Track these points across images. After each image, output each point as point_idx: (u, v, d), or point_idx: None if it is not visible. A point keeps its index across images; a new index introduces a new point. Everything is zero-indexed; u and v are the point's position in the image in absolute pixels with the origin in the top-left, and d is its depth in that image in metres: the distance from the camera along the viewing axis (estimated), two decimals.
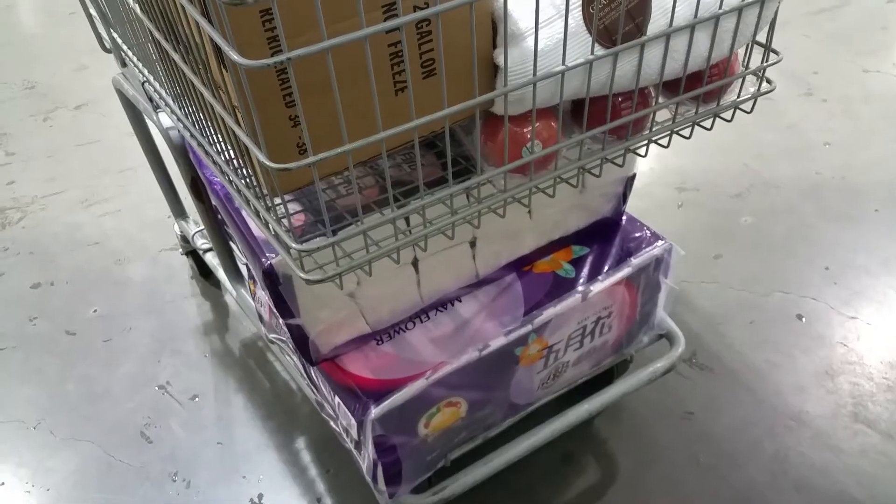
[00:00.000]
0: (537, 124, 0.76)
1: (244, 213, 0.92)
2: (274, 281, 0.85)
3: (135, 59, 1.07)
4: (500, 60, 0.70)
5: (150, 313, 1.61)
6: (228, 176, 0.78)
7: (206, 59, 0.66)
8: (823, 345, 1.42)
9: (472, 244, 1.01)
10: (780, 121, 2.03)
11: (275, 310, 0.91)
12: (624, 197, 1.12)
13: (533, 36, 0.68)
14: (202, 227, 1.44)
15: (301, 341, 0.93)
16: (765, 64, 0.85)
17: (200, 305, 1.63)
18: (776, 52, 0.85)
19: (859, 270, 1.57)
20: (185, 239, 1.59)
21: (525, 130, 0.77)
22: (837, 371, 1.37)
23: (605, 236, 1.13)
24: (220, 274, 1.40)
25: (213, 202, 1.08)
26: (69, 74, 2.53)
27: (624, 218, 1.16)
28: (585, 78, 0.73)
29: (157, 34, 0.77)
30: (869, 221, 1.69)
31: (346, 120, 0.64)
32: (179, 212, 1.57)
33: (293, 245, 0.65)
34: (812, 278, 1.56)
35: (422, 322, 1.02)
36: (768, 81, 0.88)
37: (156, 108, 1.13)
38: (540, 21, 0.68)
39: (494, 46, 0.72)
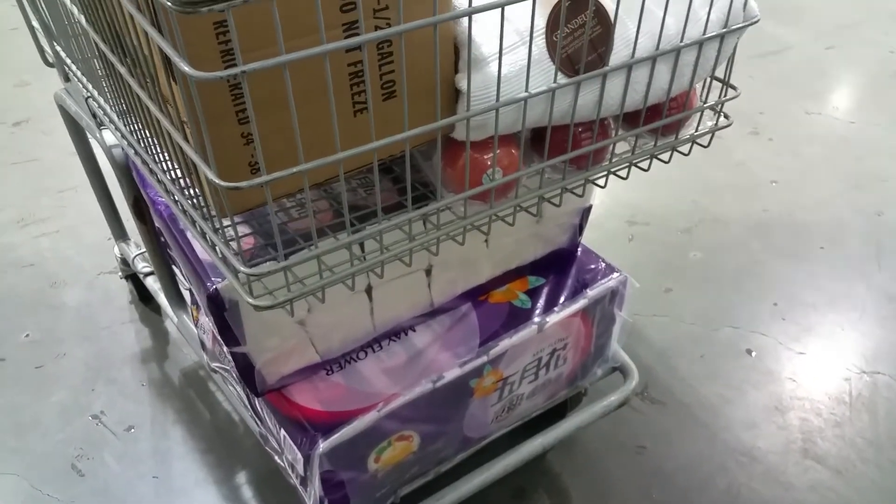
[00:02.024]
0: (498, 151, 0.74)
1: (189, 236, 0.87)
2: (219, 307, 0.81)
3: (79, 73, 1.02)
4: (463, 85, 0.68)
5: (86, 339, 1.54)
6: (174, 195, 0.74)
7: (154, 73, 0.63)
8: (773, 380, 1.43)
9: (428, 272, 0.99)
10: (728, 158, 2.08)
11: (219, 337, 0.87)
12: (580, 228, 1.12)
13: (496, 61, 0.67)
14: (143, 249, 1.38)
15: (246, 371, 0.88)
16: (723, 99, 0.85)
17: (139, 332, 1.55)
18: (734, 88, 0.86)
19: (807, 307, 1.60)
20: (125, 262, 1.53)
21: (486, 157, 0.75)
22: (787, 406, 1.38)
23: (560, 267, 1.12)
24: (161, 299, 1.34)
25: (157, 224, 1.03)
26: (9, 90, 2.44)
27: (579, 249, 1.15)
28: (547, 106, 0.72)
29: (103, 46, 0.74)
30: (815, 259, 1.73)
31: (303, 139, 0.61)
32: (120, 234, 1.50)
33: (242, 269, 0.62)
34: (761, 314, 1.58)
35: (374, 351, 0.98)
36: (726, 116, 0.88)
37: (99, 124, 1.08)
38: (503, 47, 0.67)
39: (456, 71, 0.70)
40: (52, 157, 2.14)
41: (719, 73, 0.85)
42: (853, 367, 1.45)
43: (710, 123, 0.88)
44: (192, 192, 0.70)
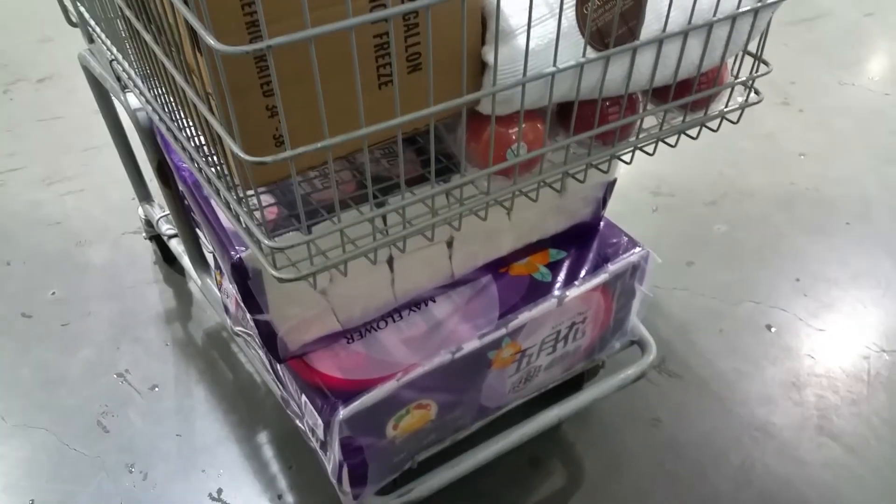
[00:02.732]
0: (524, 126, 0.74)
1: (213, 203, 0.88)
2: (243, 276, 0.82)
3: (102, 35, 1.02)
4: (490, 58, 0.67)
5: (111, 298, 1.56)
6: (198, 164, 0.75)
7: (179, 42, 0.63)
8: (791, 356, 1.43)
9: (449, 244, 0.99)
10: (756, 129, 2.04)
11: (242, 304, 0.88)
12: (604, 201, 1.11)
13: (524, 34, 0.66)
14: (167, 212, 1.39)
15: (269, 338, 0.90)
16: (754, 74, 0.83)
17: (163, 292, 1.58)
18: (766, 63, 0.84)
19: (829, 283, 1.58)
20: (149, 223, 1.54)
21: (511, 131, 0.74)
22: (804, 383, 1.38)
23: (582, 240, 1.12)
24: (185, 261, 1.36)
25: (181, 188, 1.03)
26: (33, 46, 2.44)
27: (602, 223, 1.14)
28: (575, 81, 0.71)
29: (127, 11, 0.73)
30: (840, 234, 1.71)
31: (327, 112, 0.61)
32: (144, 195, 1.52)
33: (265, 241, 0.62)
34: (782, 289, 1.57)
35: (394, 321, 0.99)
36: (756, 92, 0.86)
37: (123, 87, 1.09)
38: (532, 19, 0.66)
39: (483, 43, 0.69)
40: (77, 114, 2.14)
41: (752, 47, 0.83)
42: (873, 346, 1.44)
43: (740, 99, 0.86)
44: (215, 160, 0.70)
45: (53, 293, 1.58)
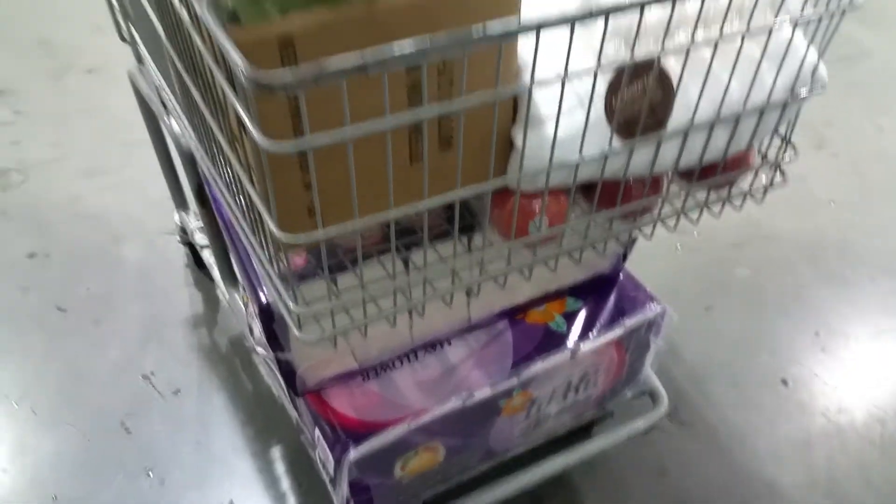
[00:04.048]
0: (547, 199, 0.76)
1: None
2: (269, 318, 0.85)
3: (152, 62, 1.06)
4: (518, 141, 0.70)
5: (142, 298, 1.62)
6: (235, 213, 0.78)
7: (224, 109, 0.66)
8: (805, 413, 1.43)
9: (468, 292, 1.01)
10: (788, 171, 2.02)
11: (265, 340, 0.91)
12: (624, 255, 1.12)
13: (552, 122, 0.68)
14: (202, 223, 1.44)
15: (288, 374, 0.93)
16: (782, 159, 0.85)
17: (192, 296, 1.63)
18: (794, 148, 0.85)
19: (849, 339, 1.58)
20: (183, 230, 1.59)
21: (534, 204, 0.77)
22: (815, 442, 1.38)
23: (600, 291, 1.14)
24: (215, 273, 1.40)
25: (216, 213, 1.07)
26: (85, 34, 2.50)
27: (621, 274, 1.16)
28: (600, 166, 0.73)
29: (177, 61, 0.77)
30: (864, 289, 1.70)
31: (359, 184, 0.63)
32: (181, 203, 1.56)
33: (293, 307, 0.65)
34: (801, 342, 1.57)
35: (409, 362, 1.02)
36: (782, 173, 0.88)
37: (169, 113, 1.12)
38: (561, 109, 0.68)
39: (514, 122, 0.72)
40: (123, 106, 2.18)
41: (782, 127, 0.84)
42: (889, 410, 1.44)
43: (765, 179, 0.87)
44: (251, 215, 0.74)
45: (88, 289, 1.64)
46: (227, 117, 0.66)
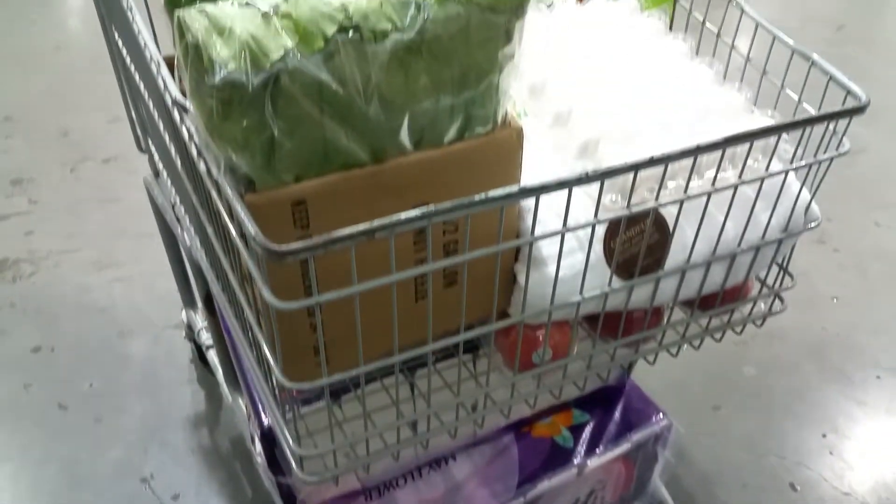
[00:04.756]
0: (551, 328, 0.77)
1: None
2: (271, 443, 0.86)
3: (168, 179, 1.09)
4: (521, 278, 0.72)
5: (146, 395, 1.61)
6: (241, 340, 0.79)
7: (238, 255, 0.68)
8: None
9: (474, 408, 1.02)
10: (790, 267, 2.04)
11: (265, 462, 0.91)
12: (629, 367, 1.13)
13: (553, 262, 0.70)
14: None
15: (288, 498, 0.93)
16: (778, 289, 0.86)
17: (195, 393, 1.63)
18: (791, 276, 0.87)
19: (856, 442, 1.56)
20: (190, 327, 1.60)
21: (538, 334, 0.78)
22: None
23: (606, 403, 1.14)
24: (219, 376, 1.40)
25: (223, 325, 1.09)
26: (103, 125, 2.57)
27: (627, 384, 1.16)
28: (601, 303, 0.74)
29: (195, 199, 0.79)
30: (871, 388, 1.69)
31: (364, 325, 0.65)
32: (189, 301, 1.58)
33: (296, 450, 0.66)
34: (809, 445, 1.55)
35: (413, 480, 1.01)
36: (781, 300, 0.89)
37: (182, 227, 1.15)
38: (562, 250, 0.70)
39: (516, 259, 0.74)
40: (135, 198, 2.23)
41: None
42: None
43: (763, 306, 0.89)
44: (258, 353, 0.75)
45: (91, 385, 1.64)
46: (241, 261, 0.69)
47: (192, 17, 0.51)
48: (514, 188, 0.55)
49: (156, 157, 1.16)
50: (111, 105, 2.61)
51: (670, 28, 0.91)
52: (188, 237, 1.14)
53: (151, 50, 0.65)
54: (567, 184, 0.57)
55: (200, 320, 1.55)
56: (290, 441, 0.67)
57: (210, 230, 0.75)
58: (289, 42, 0.51)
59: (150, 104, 0.87)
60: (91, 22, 1.19)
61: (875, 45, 3.04)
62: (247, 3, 0.52)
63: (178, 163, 0.80)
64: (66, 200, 2.21)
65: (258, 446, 1.06)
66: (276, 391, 0.70)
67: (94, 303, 1.86)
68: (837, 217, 2.24)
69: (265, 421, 0.86)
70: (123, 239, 2.07)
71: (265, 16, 0.51)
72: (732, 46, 0.88)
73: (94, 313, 1.82)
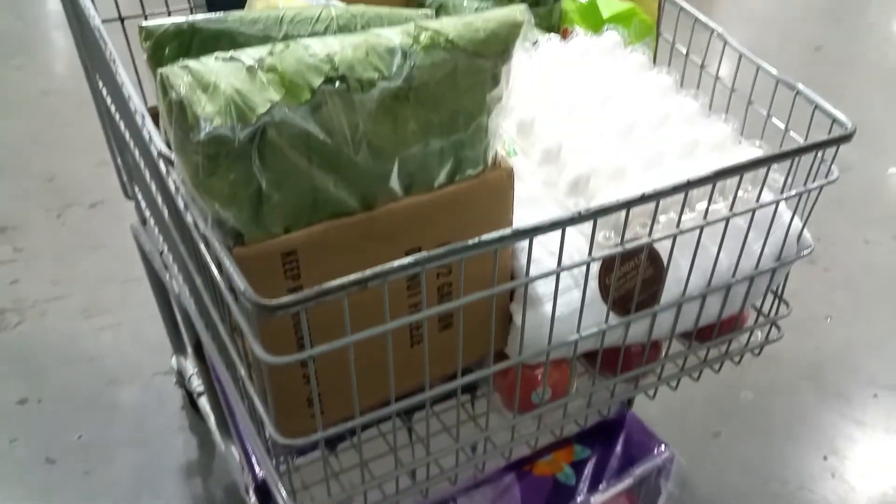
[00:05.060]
0: (549, 367, 0.76)
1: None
2: (265, 495, 0.83)
3: (155, 227, 1.08)
4: (518, 318, 0.71)
5: (136, 445, 1.58)
6: (233, 394, 0.78)
7: (228, 307, 0.67)
8: None
9: (474, 448, 1.00)
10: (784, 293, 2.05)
11: None
12: (629, 401, 1.12)
13: (549, 301, 0.69)
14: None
15: None
16: (774, 317, 0.86)
17: (187, 441, 1.59)
18: (787, 304, 0.87)
19: (857, 463, 1.55)
20: (180, 374, 1.58)
21: (537, 373, 0.77)
22: None
23: (607, 437, 1.12)
24: (211, 423, 1.37)
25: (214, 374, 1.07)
26: (89, 169, 2.54)
27: (627, 416, 1.15)
28: (598, 340, 0.74)
29: (183, 250, 0.78)
30: (869, 407, 1.68)
31: (359, 373, 0.63)
32: (179, 347, 1.56)
33: None
34: (810, 468, 1.54)
35: None
36: (777, 328, 0.89)
37: (171, 275, 1.14)
38: (557, 287, 0.69)
39: (511, 299, 0.73)
40: (122, 244, 2.20)
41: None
42: None
43: (760, 335, 0.88)
44: (248, 404, 0.73)
45: (80, 436, 1.60)
46: (230, 313, 0.67)
47: (176, 74, 0.50)
48: (507, 231, 0.55)
49: (143, 204, 1.14)
50: (97, 149, 2.59)
51: (654, 61, 0.92)
52: (177, 285, 1.13)
53: (136, 102, 0.65)
54: (560, 224, 0.56)
55: (191, 366, 1.52)
56: (285, 495, 0.65)
57: (199, 280, 0.74)
58: (275, 95, 0.50)
59: (136, 153, 0.86)
60: (76, 67, 1.19)
61: (853, 65, 3.09)
62: (231, 57, 0.51)
63: (166, 212, 0.79)
64: (52, 247, 2.18)
65: (252, 498, 1.04)
66: (270, 445, 0.68)
67: (82, 351, 1.83)
68: (826, 236, 2.25)
69: (259, 472, 0.84)
70: (111, 285, 2.04)
71: (250, 69, 0.51)
72: (717, 77, 0.88)
73: (82, 362, 1.79)
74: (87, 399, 1.69)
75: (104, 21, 0.76)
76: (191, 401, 1.64)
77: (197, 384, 1.48)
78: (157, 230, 1.10)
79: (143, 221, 1.21)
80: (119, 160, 1.18)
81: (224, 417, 1.27)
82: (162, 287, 1.43)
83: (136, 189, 1.17)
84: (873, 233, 2.27)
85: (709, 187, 0.69)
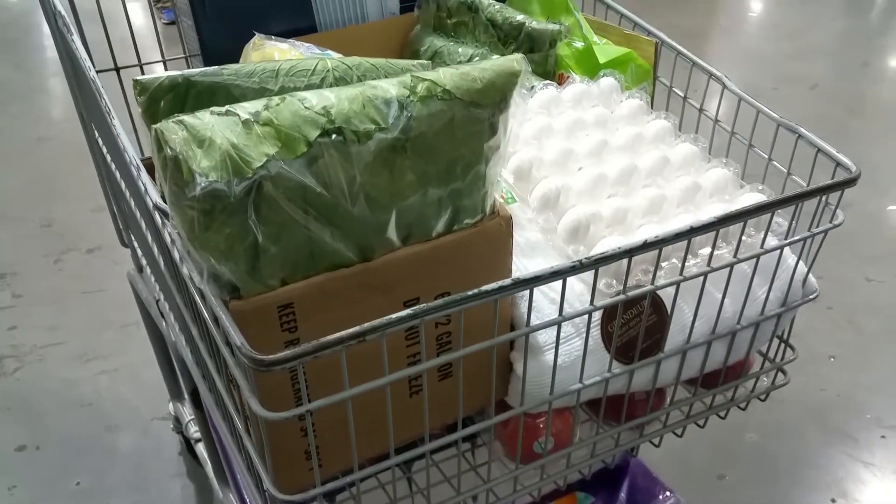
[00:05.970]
0: (552, 416, 0.75)
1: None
2: None
3: (151, 277, 1.07)
4: (518, 368, 0.70)
5: (135, 491, 1.55)
6: (230, 446, 0.76)
7: (224, 361, 0.66)
8: None
9: (475, 498, 0.98)
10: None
11: None
12: (632, 448, 1.09)
13: (551, 350, 0.68)
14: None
15: None
16: (780, 362, 0.84)
17: (185, 487, 1.57)
18: (793, 348, 0.85)
19: None
20: (178, 419, 1.55)
21: (539, 422, 0.75)
22: None
23: (611, 484, 1.10)
24: (208, 470, 1.35)
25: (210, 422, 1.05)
26: (86, 215, 2.56)
27: (631, 462, 1.12)
28: (601, 388, 0.72)
29: (179, 300, 0.77)
30: (877, 449, 1.65)
31: (358, 425, 0.62)
32: (177, 393, 1.54)
33: None
34: None
35: None
36: (783, 373, 0.87)
37: (168, 323, 1.13)
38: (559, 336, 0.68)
39: (512, 348, 0.72)
40: (119, 288, 2.20)
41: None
42: None
43: (766, 380, 0.87)
44: (246, 458, 0.72)
45: (78, 483, 1.57)
46: (227, 366, 0.66)
47: (170, 130, 0.50)
48: (507, 281, 0.54)
49: (139, 252, 1.14)
50: (94, 195, 2.60)
51: (651, 105, 0.92)
52: (173, 333, 1.12)
53: (131, 154, 0.65)
54: (561, 273, 0.56)
55: (188, 413, 1.50)
56: None
57: (195, 331, 0.73)
58: (271, 149, 0.50)
59: (132, 203, 0.86)
60: (73, 114, 1.19)
61: (849, 102, 3.12)
62: (227, 111, 0.51)
63: (161, 263, 0.78)
64: (50, 293, 2.18)
65: None
66: (268, 499, 0.66)
67: (80, 397, 1.81)
68: (828, 274, 2.24)
69: None
70: (109, 330, 2.03)
71: (246, 123, 0.51)
72: (716, 121, 0.88)
73: (81, 408, 1.77)
74: (86, 445, 1.67)
75: (100, 71, 0.76)
76: (188, 447, 1.62)
77: (194, 430, 1.46)
78: (153, 278, 1.09)
79: (140, 269, 1.20)
80: (115, 208, 1.18)
81: (221, 465, 1.25)
82: (159, 333, 1.41)
83: (132, 237, 1.16)
84: (875, 270, 2.26)
85: (712, 233, 0.68)
